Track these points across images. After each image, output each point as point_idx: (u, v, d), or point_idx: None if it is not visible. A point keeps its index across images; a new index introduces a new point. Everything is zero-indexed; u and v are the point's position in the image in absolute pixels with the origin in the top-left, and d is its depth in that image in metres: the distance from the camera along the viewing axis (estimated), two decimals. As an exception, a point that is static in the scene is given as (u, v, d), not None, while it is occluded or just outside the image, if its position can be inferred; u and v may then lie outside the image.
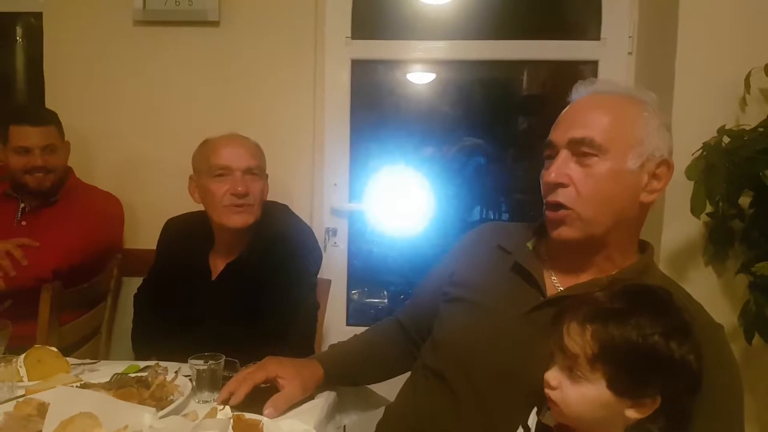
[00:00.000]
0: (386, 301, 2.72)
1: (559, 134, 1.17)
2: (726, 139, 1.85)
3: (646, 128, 1.14)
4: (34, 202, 2.19)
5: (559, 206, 1.15)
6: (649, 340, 0.92)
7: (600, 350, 0.94)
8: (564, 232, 1.15)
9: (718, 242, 1.95)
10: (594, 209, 1.13)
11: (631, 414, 0.94)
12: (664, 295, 1.00)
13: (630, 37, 2.30)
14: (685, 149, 1.84)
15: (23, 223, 2.17)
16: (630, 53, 2.31)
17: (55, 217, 2.15)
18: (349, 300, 2.54)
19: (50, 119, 2.17)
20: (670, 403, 0.94)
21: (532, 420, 1.08)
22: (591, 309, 0.98)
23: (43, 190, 2.15)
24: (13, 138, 2.10)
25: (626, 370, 0.93)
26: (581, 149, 1.13)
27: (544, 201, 1.19)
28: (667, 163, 1.16)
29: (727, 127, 1.87)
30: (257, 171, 1.79)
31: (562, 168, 1.14)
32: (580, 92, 1.23)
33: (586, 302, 1.00)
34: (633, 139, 1.13)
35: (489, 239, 1.35)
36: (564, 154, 1.15)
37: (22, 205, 2.19)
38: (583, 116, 1.16)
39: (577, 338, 0.96)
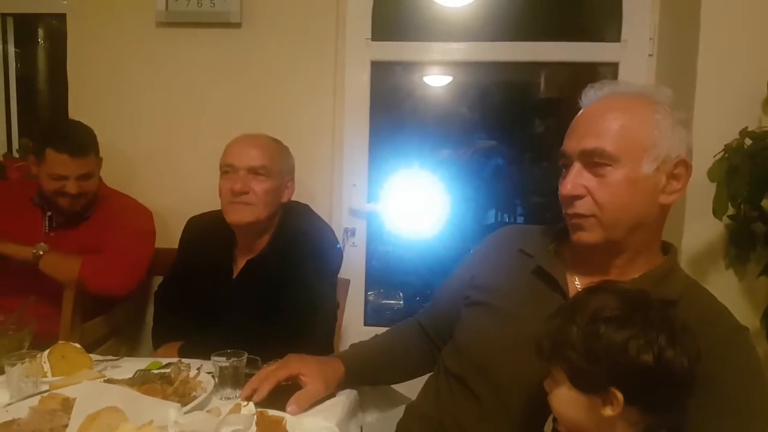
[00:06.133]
0: (402, 302, 2.72)
1: (571, 145, 1.17)
2: (748, 141, 1.84)
3: (658, 130, 1.12)
4: (61, 218, 2.11)
5: (578, 215, 1.16)
6: (586, 325, 0.94)
7: (552, 345, 0.98)
8: (584, 237, 1.16)
9: (740, 245, 1.93)
10: (613, 215, 1.13)
11: (608, 412, 0.93)
12: (643, 300, 0.98)
13: (651, 38, 2.28)
14: (707, 151, 1.82)
15: (52, 234, 2.10)
16: (651, 55, 2.29)
17: (86, 235, 2.10)
18: (366, 300, 2.55)
19: (89, 148, 2.07)
20: (637, 396, 0.93)
21: (549, 427, 1.08)
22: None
23: (73, 211, 2.09)
24: (49, 163, 2.00)
25: (576, 362, 0.94)
26: (593, 160, 1.13)
27: (563, 211, 1.20)
28: (685, 163, 1.14)
29: (749, 129, 1.85)
30: (262, 171, 1.77)
31: (576, 179, 1.14)
32: (589, 97, 1.21)
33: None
34: (646, 143, 1.11)
35: (510, 243, 1.34)
36: (577, 165, 1.15)
37: (49, 213, 2.11)
38: (594, 125, 1.14)
39: (545, 338, 1.00)
